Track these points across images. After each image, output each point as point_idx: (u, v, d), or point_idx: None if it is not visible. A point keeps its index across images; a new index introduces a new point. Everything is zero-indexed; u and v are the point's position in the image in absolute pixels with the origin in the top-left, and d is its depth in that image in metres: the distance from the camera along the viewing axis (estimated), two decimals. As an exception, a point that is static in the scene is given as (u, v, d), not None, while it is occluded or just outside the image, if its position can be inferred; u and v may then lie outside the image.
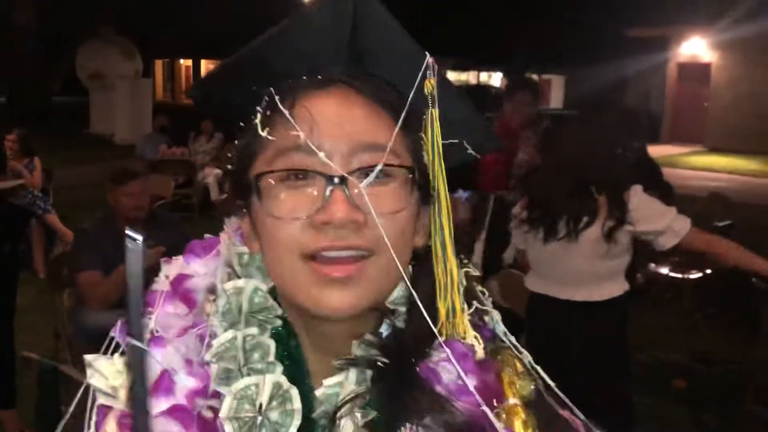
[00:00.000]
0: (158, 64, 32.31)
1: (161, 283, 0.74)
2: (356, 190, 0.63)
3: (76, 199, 8.07)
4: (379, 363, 0.64)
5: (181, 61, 34.70)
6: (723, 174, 14.61)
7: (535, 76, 21.47)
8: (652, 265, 5.16)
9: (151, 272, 0.68)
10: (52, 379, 2.75)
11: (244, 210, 0.71)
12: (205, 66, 34.41)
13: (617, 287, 2.82)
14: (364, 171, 0.64)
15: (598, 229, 2.71)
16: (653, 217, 2.69)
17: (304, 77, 0.68)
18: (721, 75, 19.17)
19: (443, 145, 0.68)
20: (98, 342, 2.27)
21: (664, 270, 5.22)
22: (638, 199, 2.70)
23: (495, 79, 31.26)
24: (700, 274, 5.16)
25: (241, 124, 0.71)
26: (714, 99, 19.27)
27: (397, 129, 0.67)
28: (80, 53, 16.56)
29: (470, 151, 0.74)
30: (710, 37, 18.77)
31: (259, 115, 0.67)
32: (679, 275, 5.21)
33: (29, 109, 17.03)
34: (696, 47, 19.55)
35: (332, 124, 0.65)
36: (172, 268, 0.75)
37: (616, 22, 19.79)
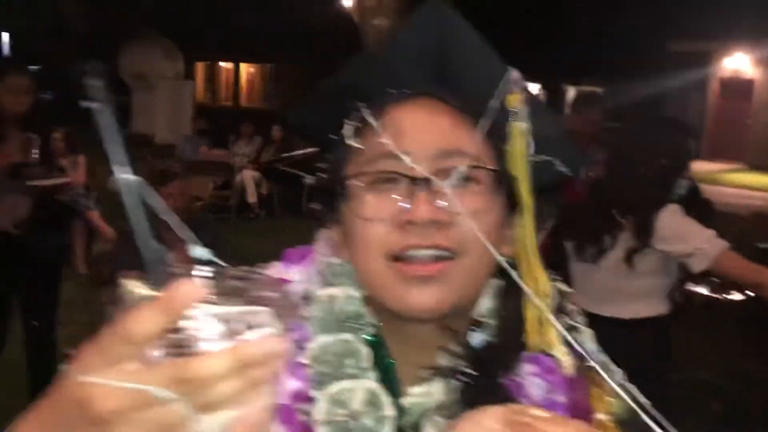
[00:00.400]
0: (199, 67, 32.78)
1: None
2: (440, 191, 0.66)
3: (116, 196, 8.20)
4: (466, 374, 0.66)
5: (222, 63, 35.16)
6: (765, 193, 14.30)
7: (572, 89, 21.29)
8: (691, 285, 5.08)
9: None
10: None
11: (335, 219, 0.74)
12: (245, 69, 34.84)
13: (648, 308, 2.76)
14: (448, 174, 0.67)
15: (620, 251, 2.68)
16: (682, 239, 2.61)
17: (393, 91, 0.72)
18: (764, 91, 18.80)
19: (532, 161, 0.70)
20: None
21: (703, 290, 5.13)
22: (670, 219, 2.63)
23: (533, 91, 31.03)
24: (740, 297, 5.06)
25: (331, 136, 0.75)
26: (756, 116, 18.90)
27: (479, 136, 0.70)
28: (123, 53, 16.89)
29: (561, 168, 0.76)
30: (754, 53, 18.43)
31: (349, 127, 0.71)
32: (718, 296, 5.12)
33: (74, 106, 17.41)
34: (739, 63, 19.21)
35: (417, 132, 0.69)
36: (270, 273, 0.78)
37: (657, 36, 19.54)
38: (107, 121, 0.51)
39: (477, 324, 0.70)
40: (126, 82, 16.97)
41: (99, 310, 3.74)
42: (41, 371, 3.53)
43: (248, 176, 8.42)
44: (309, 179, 8.25)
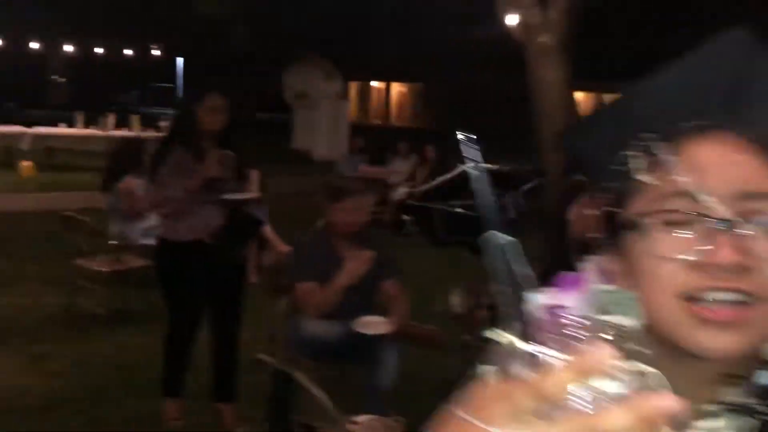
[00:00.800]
0: (352, 86, 34.00)
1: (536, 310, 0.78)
2: (743, 234, 0.64)
3: (280, 208, 8.67)
4: (760, 412, 0.63)
5: (373, 83, 36.16)
6: None
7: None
8: None
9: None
10: (286, 385, 2.95)
11: (615, 248, 0.73)
12: (396, 89, 35.66)
13: None
14: (750, 216, 0.65)
15: None
16: None
17: (688, 124, 0.69)
18: None
19: None
20: (310, 346, 2.39)
21: None
22: None
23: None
24: None
25: (613, 167, 0.74)
26: None
27: None
28: (288, 75, 17.83)
29: None
30: None
31: (638, 160, 0.70)
32: None
33: (240, 124, 18.64)
34: None
35: (717, 170, 0.66)
36: (545, 298, 0.78)
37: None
38: (483, 186, 0.55)
39: (766, 363, 0.67)
40: (288, 101, 17.91)
41: (269, 318, 3.95)
42: (224, 374, 3.78)
43: (404, 194, 8.59)
44: (458, 209, 8.25)
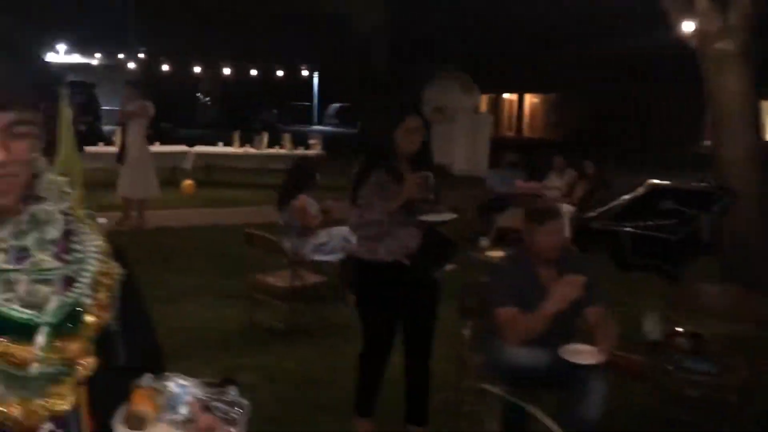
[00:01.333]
0: (483, 99, 33.78)
1: None
2: None
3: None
4: None
5: (505, 95, 35.71)
6: None
7: None
8: None
9: None
10: (519, 418, 2.86)
11: None
12: (529, 100, 35.04)
13: None
14: None
15: None
16: None
17: None
18: None
19: None
20: (509, 372, 2.26)
21: None
22: None
23: None
24: None
25: None
26: None
27: None
28: (428, 89, 17.93)
29: None
30: None
31: None
32: None
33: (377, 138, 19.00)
34: None
35: None
36: None
37: None
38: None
39: None
40: (427, 116, 17.99)
41: (462, 340, 3.89)
42: (417, 395, 3.76)
43: (564, 211, 8.32)
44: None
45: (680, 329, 3.93)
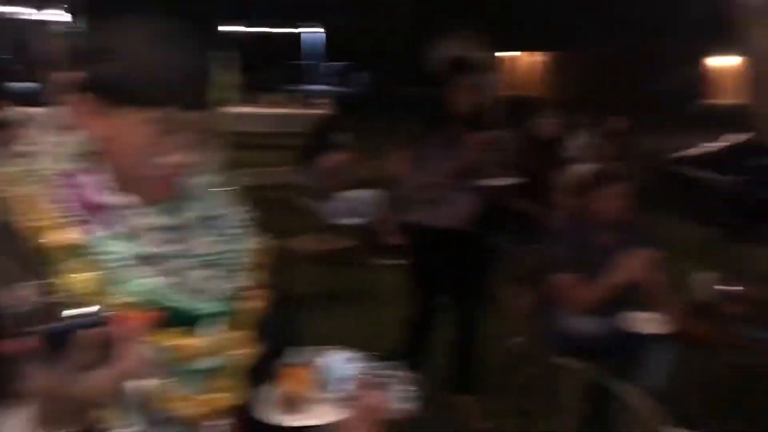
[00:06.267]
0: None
1: None
2: None
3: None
4: None
5: (500, 53, 35.15)
6: None
7: None
8: None
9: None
10: (602, 396, 2.77)
11: None
12: (525, 58, 34.43)
13: None
14: None
15: None
16: None
17: None
18: None
19: None
20: (570, 342, 2.11)
21: None
22: None
23: None
24: None
25: None
26: None
27: None
28: (437, 46, 17.59)
29: None
30: None
31: None
32: None
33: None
34: None
35: None
36: None
37: None
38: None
39: None
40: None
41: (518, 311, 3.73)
42: (465, 364, 3.64)
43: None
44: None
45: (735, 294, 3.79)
